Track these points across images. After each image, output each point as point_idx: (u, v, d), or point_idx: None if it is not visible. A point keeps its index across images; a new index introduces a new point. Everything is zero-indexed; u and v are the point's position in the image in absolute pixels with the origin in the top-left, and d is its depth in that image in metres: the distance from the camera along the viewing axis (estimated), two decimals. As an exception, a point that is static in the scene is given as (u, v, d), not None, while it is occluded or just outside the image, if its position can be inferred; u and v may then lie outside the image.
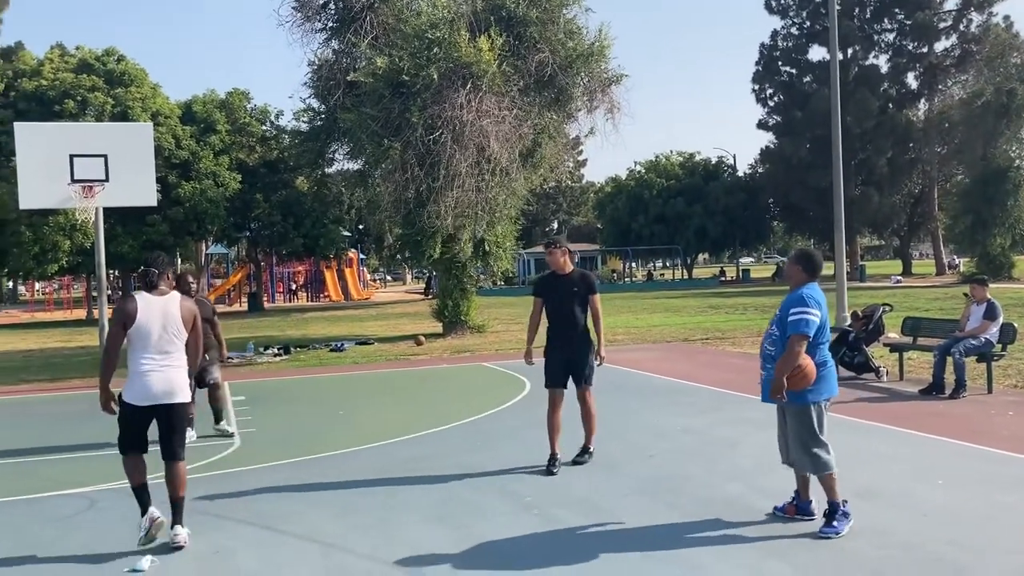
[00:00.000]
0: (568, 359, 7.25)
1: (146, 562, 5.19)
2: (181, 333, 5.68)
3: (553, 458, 7.13)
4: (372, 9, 18.90)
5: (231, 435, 9.17)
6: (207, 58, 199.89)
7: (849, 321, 13.14)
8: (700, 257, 74.40)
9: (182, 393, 5.67)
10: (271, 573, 5.06)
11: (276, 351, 18.18)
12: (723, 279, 56.65)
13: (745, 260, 79.52)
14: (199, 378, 8.97)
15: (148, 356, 5.53)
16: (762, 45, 53.01)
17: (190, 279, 8.98)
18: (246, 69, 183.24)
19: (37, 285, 62.06)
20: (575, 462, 7.29)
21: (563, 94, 18.72)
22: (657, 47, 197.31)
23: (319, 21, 19.68)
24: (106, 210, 29.71)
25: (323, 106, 20.58)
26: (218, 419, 9.35)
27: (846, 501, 5.45)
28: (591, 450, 7.43)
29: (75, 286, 57.27)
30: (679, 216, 54.47)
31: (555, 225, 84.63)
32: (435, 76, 16.91)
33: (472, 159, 17.38)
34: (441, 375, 14.18)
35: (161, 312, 5.62)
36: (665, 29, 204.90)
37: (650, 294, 41.31)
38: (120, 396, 5.64)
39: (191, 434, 8.98)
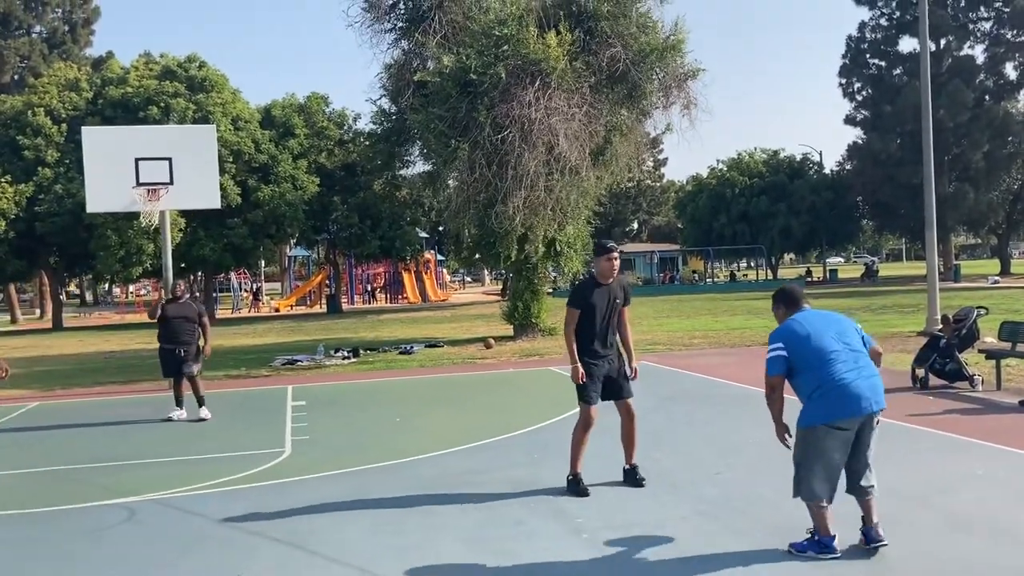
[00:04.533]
0: (608, 373, 6.71)
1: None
2: None
3: (581, 478, 6.65)
4: (441, 8, 18.62)
5: (203, 420, 10.64)
6: (287, 63, 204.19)
7: (939, 325, 12.25)
8: (786, 257, 72.37)
9: None
10: (293, 601, 4.71)
11: (345, 354, 18.06)
12: (809, 280, 54.94)
13: (833, 260, 77.12)
14: (181, 369, 10.74)
15: None
16: (849, 37, 51.15)
17: (180, 288, 11.34)
18: (326, 73, 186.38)
19: (130, 288, 64.06)
20: (639, 484, 6.72)
21: (636, 90, 18.11)
22: (737, 40, 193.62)
23: (388, 21, 19.52)
24: (187, 213, 30.77)
25: (394, 107, 20.45)
26: (200, 403, 10.79)
27: (833, 536, 5.05)
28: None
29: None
30: (763, 215, 52.97)
31: (635, 225, 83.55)
32: (503, 74, 16.54)
33: (541, 158, 16.95)
34: (507, 380, 13.78)
35: None
36: (745, 21, 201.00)
37: (732, 295, 40.19)
38: None
39: (180, 413, 10.80)
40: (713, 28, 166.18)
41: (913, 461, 7.22)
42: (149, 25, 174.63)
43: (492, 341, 19.13)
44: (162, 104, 33.33)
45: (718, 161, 59.88)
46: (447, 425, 9.85)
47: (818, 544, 5.06)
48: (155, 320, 11.00)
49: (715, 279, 55.55)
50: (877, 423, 5.09)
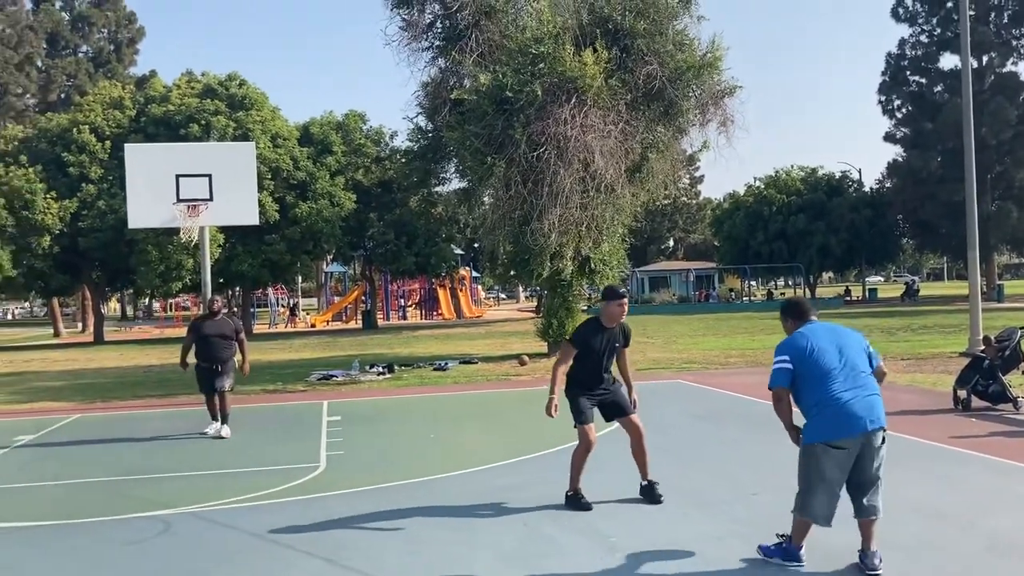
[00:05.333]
0: (604, 399, 6.89)
1: None
2: None
3: (581, 494, 6.77)
4: (477, 26, 18.76)
5: (222, 438, 10.62)
6: (326, 81, 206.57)
7: (982, 346, 12.03)
8: (825, 276, 71.56)
9: None
10: (326, 616, 4.72)
11: (380, 369, 18.13)
12: (848, 299, 54.28)
13: (872, 279, 76.18)
14: (214, 385, 10.70)
15: None
16: (888, 55, 50.70)
17: (218, 303, 11.14)
18: (364, 91, 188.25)
19: (171, 302, 64.93)
20: (657, 501, 6.74)
21: (673, 107, 18.05)
22: (775, 57, 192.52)
23: (425, 40, 19.68)
24: (225, 229, 31.19)
25: (430, 125, 20.59)
26: (223, 421, 10.82)
27: (801, 547, 5.22)
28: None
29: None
30: (800, 233, 52.48)
31: (671, 243, 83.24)
32: (539, 91, 16.59)
33: (576, 175, 16.95)
34: (541, 397, 13.67)
35: None
36: (783, 39, 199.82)
37: (769, 314, 39.74)
38: None
39: (216, 427, 10.80)
40: (751, 45, 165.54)
41: (956, 484, 7.09)
42: (191, 44, 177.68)
43: (526, 358, 19.10)
44: (203, 122, 33.89)
45: (755, 179, 59.53)
46: (481, 442, 9.85)
47: (785, 552, 5.23)
48: (189, 347, 10.97)
49: (752, 297, 55.08)
50: (883, 442, 5.07)
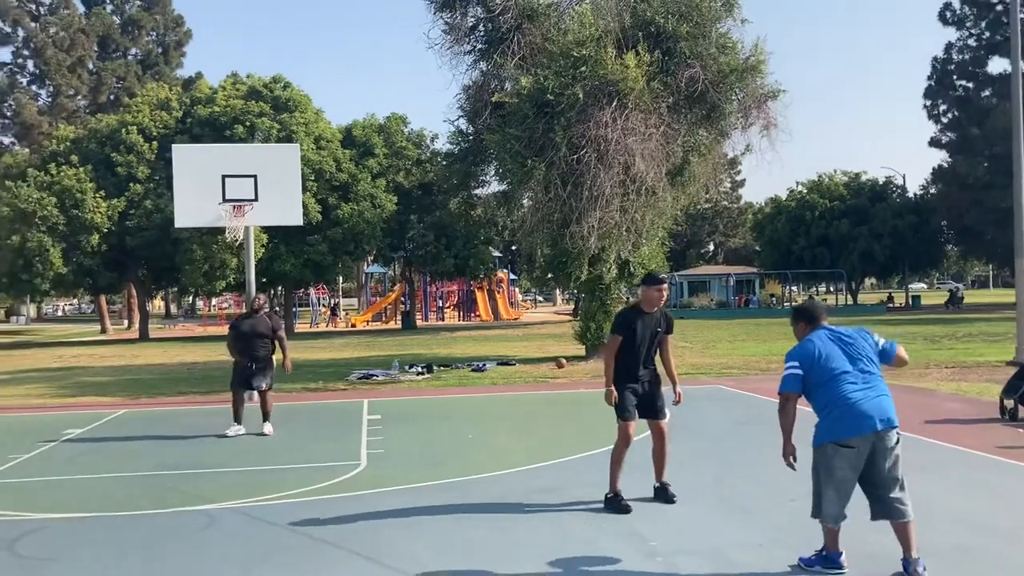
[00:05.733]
0: (643, 393, 6.91)
1: None
2: None
3: (621, 496, 6.78)
4: (519, 30, 18.81)
5: (264, 435, 10.67)
6: (369, 84, 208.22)
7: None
8: (867, 282, 70.61)
9: None
10: (367, 611, 4.79)
11: (419, 369, 18.26)
12: (891, 305, 53.53)
13: (915, 286, 75.05)
14: (250, 383, 10.79)
15: None
16: (935, 59, 49.99)
17: (260, 301, 11.31)
18: (406, 94, 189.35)
19: (213, 300, 65.87)
20: (670, 501, 6.85)
21: (715, 111, 17.99)
22: (819, 59, 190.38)
23: (467, 43, 19.78)
24: (269, 229, 31.61)
25: (471, 128, 20.69)
26: (265, 419, 10.91)
27: (840, 553, 5.20)
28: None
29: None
30: (843, 238, 51.90)
31: (711, 247, 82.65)
32: (580, 94, 16.61)
33: (617, 178, 16.94)
34: (578, 400, 13.75)
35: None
36: (827, 42, 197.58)
37: (809, 320, 39.28)
38: None
39: (238, 429, 10.84)
40: (793, 48, 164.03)
41: (1002, 494, 6.99)
42: (237, 46, 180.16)
43: (564, 361, 19.14)
44: (248, 123, 34.38)
45: (797, 183, 58.95)
46: (519, 443, 9.88)
47: (825, 559, 5.23)
48: (235, 347, 10.95)
49: (793, 303, 54.50)
50: (897, 442, 5.09)
